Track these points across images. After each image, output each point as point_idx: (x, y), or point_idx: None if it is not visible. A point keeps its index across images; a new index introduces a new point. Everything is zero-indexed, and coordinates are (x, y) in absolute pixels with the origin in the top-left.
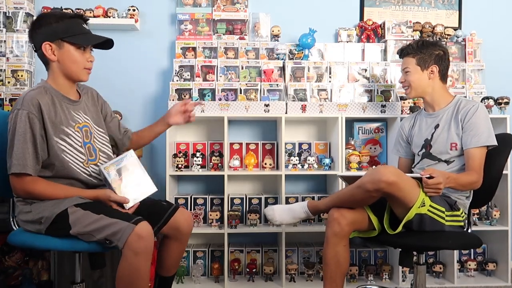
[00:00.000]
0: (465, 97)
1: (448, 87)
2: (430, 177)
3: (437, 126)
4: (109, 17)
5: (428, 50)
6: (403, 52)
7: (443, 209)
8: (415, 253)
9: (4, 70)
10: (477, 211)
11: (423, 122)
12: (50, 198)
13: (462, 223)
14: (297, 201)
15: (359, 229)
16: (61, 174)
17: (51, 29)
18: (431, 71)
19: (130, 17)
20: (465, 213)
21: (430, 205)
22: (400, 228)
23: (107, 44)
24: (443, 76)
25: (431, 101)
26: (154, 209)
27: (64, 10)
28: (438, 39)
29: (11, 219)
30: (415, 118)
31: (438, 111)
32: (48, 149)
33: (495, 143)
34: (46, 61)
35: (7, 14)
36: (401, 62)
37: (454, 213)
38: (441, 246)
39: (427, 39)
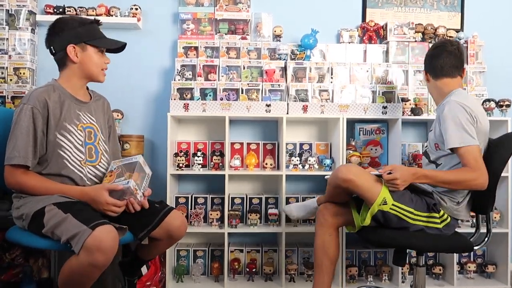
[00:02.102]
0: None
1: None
2: (390, 173)
3: (434, 124)
4: (112, 15)
5: (427, 54)
6: None
7: (411, 209)
8: (413, 254)
9: (7, 67)
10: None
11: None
12: (40, 193)
13: (439, 225)
14: (297, 201)
15: (346, 222)
16: (54, 171)
17: (76, 32)
18: (425, 74)
19: (133, 16)
20: (449, 216)
21: (393, 204)
22: (367, 222)
23: (119, 48)
24: (435, 75)
25: (434, 99)
26: (146, 211)
27: (66, 9)
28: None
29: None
30: None
31: (437, 108)
32: (47, 143)
33: (463, 144)
34: (64, 63)
35: (9, 12)
36: (402, 63)
37: (431, 214)
38: (400, 244)
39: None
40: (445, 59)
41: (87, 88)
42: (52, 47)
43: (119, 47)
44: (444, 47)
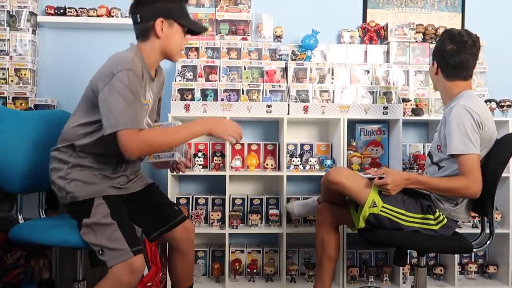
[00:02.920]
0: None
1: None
2: (382, 177)
3: (439, 125)
4: (113, 16)
5: (438, 42)
6: None
7: (402, 211)
8: (414, 255)
9: (8, 68)
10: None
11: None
12: (170, 141)
13: (435, 227)
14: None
15: (345, 221)
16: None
17: (167, 7)
18: (434, 65)
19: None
20: (446, 218)
21: (382, 206)
22: (361, 225)
23: (198, 32)
24: (446, 74)
25: (442, 98)
26: (164, 210)
27: (67, 9)
28: None
29: (17, 213)
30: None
31: (445, 109)
32: None
33: (465, 152)
34: (146, 35)
35: (10, 13)
36: (403, 63)
37: (425, 216)
38: (397, 244)
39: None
40: (463, 61)
41: None
42: (138, 15)
43: (199, 31)
44: (465, 47)
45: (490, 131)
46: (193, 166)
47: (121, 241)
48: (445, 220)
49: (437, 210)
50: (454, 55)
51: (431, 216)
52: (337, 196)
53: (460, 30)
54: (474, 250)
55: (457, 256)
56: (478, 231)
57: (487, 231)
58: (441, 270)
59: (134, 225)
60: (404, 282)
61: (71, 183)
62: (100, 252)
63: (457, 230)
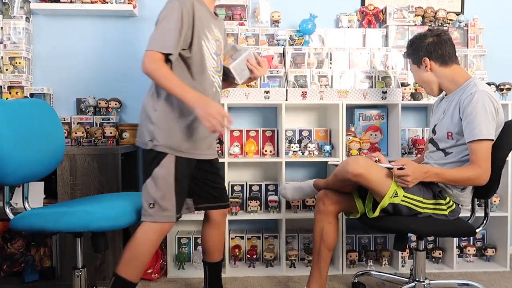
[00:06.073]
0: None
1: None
2: (401, 168)
3: (445, 111)
4: (107, 2)
5: (414, 46)
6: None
7: (420, 198)
8: (413, 238)
9: (2, 57)
10: None
11: (441, 106)
12: (167, 84)
13: (445, 212)
14: None
15: (346, 209)
16: (196, 73)
17: None
18: (425, 64)
19: (128, 3)
20: (454, 203)
21: (404, 196)
22: (376, 214)
23: None
24: (443, 61)
25: (444, 88)
26: (218, 192)
27: None
28: (440, 24)
29: (23, 202)
30: (441, 100)
31: (450, 95)
32: (192, 45)
33: (489, 137)
34: None
35: (3, 1)
36: (402, 48)
37: (437, 201)
38: (410, 229)
39: (417, 32)
40: (450, 45)
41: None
42: None
43: None
44: (445, 34)
45: (501, 117)
46: None
47: (171, 206)
48: (454, 205)
49: (446, 195)
50: (441, 43)
51: (443, 201)
52: (351, 187)
53: (423, 31)
54: (477, 231)
55: (455, 240)
56: (468, 214)
57: (477, 214)
58: (439, 254)
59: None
60: (403, 266)
61: (160, 130)
62: (151, 205)
63: None
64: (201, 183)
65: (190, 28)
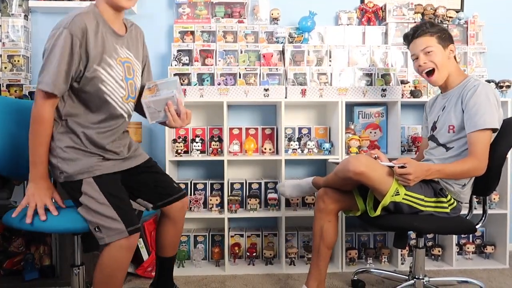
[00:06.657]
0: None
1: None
2: (403, 167)
3: (444, 108)
4: None
5: (439, 27)
6: (419, 32)
7: (422, 197)
8: (413, 236)
9: (0, 55)
10: None
11: (438, 103)
12: (30, 141)
13: (447, 210)
14: None
15: (346, 207)
16: (95, 109)
17: None
18: (451, 50)
19: None
20: (455, 200)
21: (405, 194)
22: (378, 212)
23: None
24: (455, 56)
25: (448, 80)
26: (164, 186)
27: None
28: (440, 21)
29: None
30: (436, 98)
31: (449, 92)
32: (85, 77)
33: (493, 126)
34: None
35: None
36: (401, 45)
37: (439, 199)
38: (412, 227)
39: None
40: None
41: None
42: None
43: None
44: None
45: (500, 112)
46: (191, 152)
47: (117, 222)
48: (455, 203)
49: (447, 193)
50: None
51: (444, 199)
52: (351, 186)
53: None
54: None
55: (455, 237)
56: (480, 209)
57: (475, 212)
58: (439, 251)
59: (134, 201)
60: (402, 263)
61: (65, 161)
62: (96, 229)
63: None
64: (143, 187)
65: (83, 60)
